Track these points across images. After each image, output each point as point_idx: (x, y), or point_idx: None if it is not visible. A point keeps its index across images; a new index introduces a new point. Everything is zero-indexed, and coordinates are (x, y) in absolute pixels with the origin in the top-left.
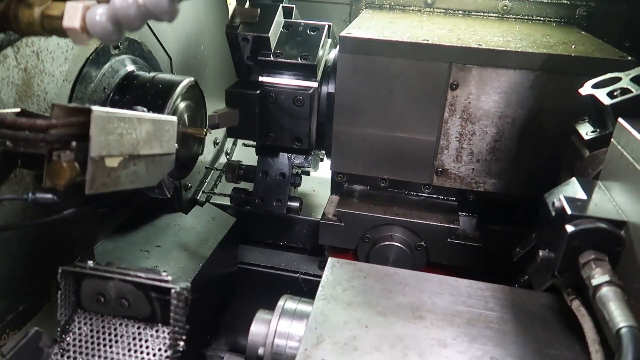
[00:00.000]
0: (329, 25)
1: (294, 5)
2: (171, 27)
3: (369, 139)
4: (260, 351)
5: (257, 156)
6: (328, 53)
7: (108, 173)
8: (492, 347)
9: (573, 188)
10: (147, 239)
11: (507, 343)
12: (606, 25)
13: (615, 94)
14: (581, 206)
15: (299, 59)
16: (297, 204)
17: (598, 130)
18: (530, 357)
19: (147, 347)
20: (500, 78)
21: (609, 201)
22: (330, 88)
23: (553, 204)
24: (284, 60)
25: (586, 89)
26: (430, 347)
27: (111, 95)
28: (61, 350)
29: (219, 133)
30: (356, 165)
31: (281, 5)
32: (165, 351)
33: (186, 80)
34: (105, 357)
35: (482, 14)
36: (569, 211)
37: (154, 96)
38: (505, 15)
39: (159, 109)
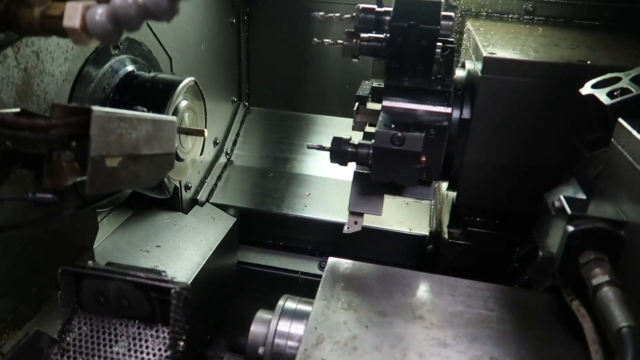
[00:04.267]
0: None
1: None
2: (171, 27)
3: (507, 171)
4: (260, 351)
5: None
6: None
7: (108, 173)
8: (492, 347)
9: (573, 188)
10: (147, 239)
11: (507, 343)
12: None
13: (615, 94)
14: (581, 206)
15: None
16: None
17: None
18: (530, 357)
19: (147, 347)
20: None
21: (609, 201)
22: (464, 114)
23: (553, 204)
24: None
25: (586, 89)
26: (430, 347)
27: (111, 95)
28: (61, 350)
29: (219, 133)
30: (487, 198)
31: None
32: (165, 351)
33: (186, 80)
34: (105, 357)
35: (585, 22)
36: (569, 211)
37: (154, 96)
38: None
39: (159, 109)
